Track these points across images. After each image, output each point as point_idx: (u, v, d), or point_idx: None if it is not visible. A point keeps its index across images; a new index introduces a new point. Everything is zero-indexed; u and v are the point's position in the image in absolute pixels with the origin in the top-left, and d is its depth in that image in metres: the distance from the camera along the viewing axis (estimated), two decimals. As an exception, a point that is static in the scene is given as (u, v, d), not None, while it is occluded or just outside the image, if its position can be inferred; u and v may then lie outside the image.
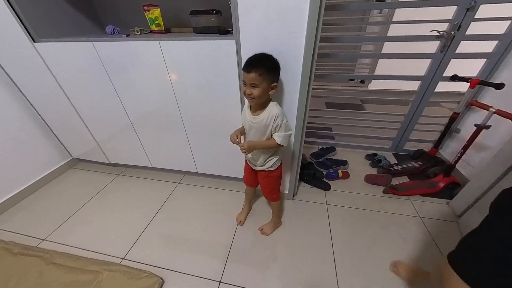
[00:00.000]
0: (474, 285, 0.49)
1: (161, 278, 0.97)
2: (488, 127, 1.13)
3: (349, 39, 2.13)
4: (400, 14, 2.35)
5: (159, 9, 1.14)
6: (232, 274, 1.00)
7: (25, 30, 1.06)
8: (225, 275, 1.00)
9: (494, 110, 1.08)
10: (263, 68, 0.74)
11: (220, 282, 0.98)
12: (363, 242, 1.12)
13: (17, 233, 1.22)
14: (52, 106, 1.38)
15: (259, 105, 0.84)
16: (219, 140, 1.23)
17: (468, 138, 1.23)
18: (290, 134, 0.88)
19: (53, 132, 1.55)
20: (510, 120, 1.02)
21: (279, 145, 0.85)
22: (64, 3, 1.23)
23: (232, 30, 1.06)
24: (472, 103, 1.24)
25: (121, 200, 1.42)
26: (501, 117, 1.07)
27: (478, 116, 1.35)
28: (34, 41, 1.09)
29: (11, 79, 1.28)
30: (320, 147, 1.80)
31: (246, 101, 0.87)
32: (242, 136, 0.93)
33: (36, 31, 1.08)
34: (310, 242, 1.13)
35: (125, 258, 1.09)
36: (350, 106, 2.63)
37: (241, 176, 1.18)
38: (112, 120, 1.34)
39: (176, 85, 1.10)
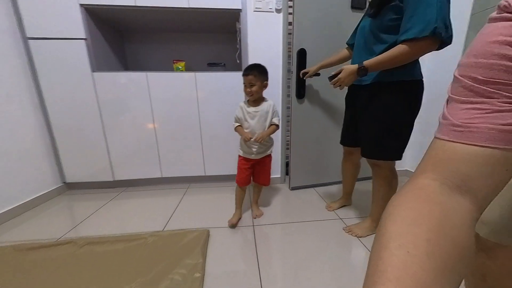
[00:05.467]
0: None
1: (207, 230, 1.16)
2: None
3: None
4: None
5: (184, 62, 1.82)
6: (260, 221, 1.31)
7: (89, 62, 1.47)
8: (255, 222, 1.29)
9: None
10: (255, 71, 1.09)
11: (253, 225, 1.26)
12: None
13: (22, 241, 1.09)
14: (76, 128, 1.57)
15: (256, 101, 1.16)
16: (230, 134, 1.72)
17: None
18: (280, 118, 1.22)
19: (57, 154, 1.60)
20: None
21: (277, 127, 1.18)
22: (111, 53, 1.74)
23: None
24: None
25: (139, 202, 1.51)
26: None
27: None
28: (93, 71, 1.49)
29: (40, 100, 1.49)
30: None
31: (241, 103, 1.20)
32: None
33: (96, 64, 1.51)
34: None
35: (164, 230, 1.20)
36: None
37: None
38: (138, 133, 1.64)
39: (200, 100, 1.65)
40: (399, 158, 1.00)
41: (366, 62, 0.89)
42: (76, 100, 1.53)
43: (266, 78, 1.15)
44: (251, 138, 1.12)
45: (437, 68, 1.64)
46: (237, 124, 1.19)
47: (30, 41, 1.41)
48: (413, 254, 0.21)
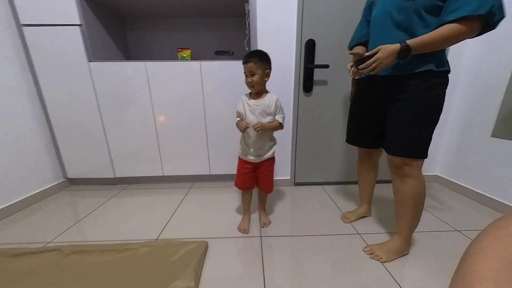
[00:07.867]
0: None
1: (206, 242, 1.03)
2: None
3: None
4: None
5: (190, 50, 1.65)
6: (268, 232, 1.16)
7: (85, 50, 1.36)
8: (263, 232, 1.14)
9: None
10: (256, 58, 0.93)
11: (260, 236, 1.10)
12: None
13: (10, 243, 1.04)
14: (74, 122, 1.49)
15: (258, 93, 1.01)
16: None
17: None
18: (285, 117, 1.05)
19: (57, 148, 1.54)
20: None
21: (281, 125, 1.02)
22: (111, 41, 1.62)
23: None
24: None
25: (138, 201, 1.41)
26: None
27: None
28: (89, 61, 1.37)
29: (38, 91, 1.42)
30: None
31: (243, 96, 1.05)
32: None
33: (93, 53, 1.39)
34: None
35: (158, 238, 1.09)
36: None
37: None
38: (138, 128, 1.53)
39: (206, 92, 1.49)
40: (427, 156, 0.88)
41: (410, 41, 0.74)
42: (72, 92, 1.43)
43: (269, 67, 0.99)
44: (247, 127, 0.98)
45: (487, 57, 1.34)
46: (239, 119, 1.06)
47: (24, 28, 1.32)
48: None
